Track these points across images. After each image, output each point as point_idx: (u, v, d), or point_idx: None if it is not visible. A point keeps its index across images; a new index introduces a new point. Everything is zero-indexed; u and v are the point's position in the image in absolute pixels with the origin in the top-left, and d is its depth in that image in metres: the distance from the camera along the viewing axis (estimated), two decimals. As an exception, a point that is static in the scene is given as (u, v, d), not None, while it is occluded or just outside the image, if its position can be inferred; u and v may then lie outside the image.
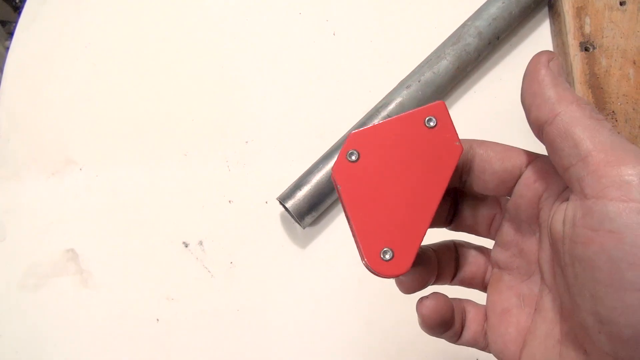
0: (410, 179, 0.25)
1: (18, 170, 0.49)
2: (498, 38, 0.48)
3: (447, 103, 0.49)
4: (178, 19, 0.53)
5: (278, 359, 0.44)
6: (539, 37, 0.50)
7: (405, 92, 0.46)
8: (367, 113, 0.47)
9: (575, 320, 0.22)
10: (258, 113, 0.50)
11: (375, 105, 0.47)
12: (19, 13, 0.55)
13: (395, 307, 0.44)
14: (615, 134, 0.21)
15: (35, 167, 0.49)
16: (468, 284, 0.29)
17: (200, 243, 0.46)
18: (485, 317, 0.28)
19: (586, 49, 0.46)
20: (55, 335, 0.45)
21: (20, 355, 0.45)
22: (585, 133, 0.21)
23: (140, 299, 0.45)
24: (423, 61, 0.47)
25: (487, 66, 0.50)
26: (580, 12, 0.47)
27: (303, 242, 0.46)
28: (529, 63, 0.23)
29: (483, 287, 0.29)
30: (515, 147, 0.26)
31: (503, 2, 0.47)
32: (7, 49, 0.54)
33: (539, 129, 0.22)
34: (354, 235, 0.26)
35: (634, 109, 0.45)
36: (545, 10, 0.51)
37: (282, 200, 0.44)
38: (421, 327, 0.27)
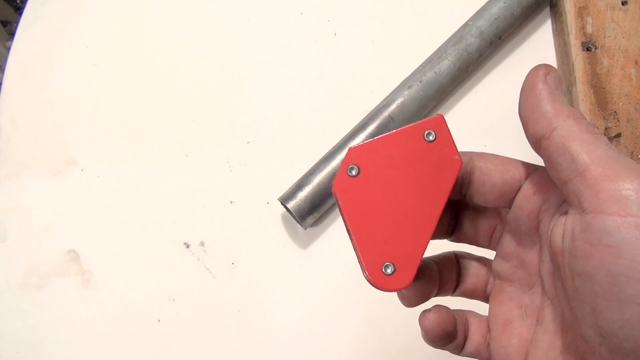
0: (411, 192, 0.25)
1: (19, 171, 0.49)
2: (500, 38, 0.48)
3: (448, 103, 0.49)
4: (179, 19, 0.53)
5: (279, 360, 0.44)
6: (541, 37, 0.50)
7: (406, 92, 0.46)
8: (369, 113, 0.47)
9: (576, 333, 0.22)
10: (259, 113, 0.50)
11: (377, 106, 0.47)
12: (20, 13, 0.55)
13: (396, 307, 0.43)
14: (612, 148, 0.21)
15: (36, 168, 0.49)
16: (470, 295, 0.30)
17: (202, 244, 0.46)
18: (488, 329, 0.28)
19: (588, 49, 0.46)
20: (57, 335, 0.45)
21: (21, 355, 0.45)
22: (582, 147, 0.21)
23: (142, 300, 0.45)
24: (425, 61, 0.47)
25: (489, 66, 0.50)
26: (582, 11, 0.47)
27: (304, 243, 0.46)
28: (527, 77, 0.23)
29: (485, 298, 0.29)
30: (515, 160, 0.26)
31: (505, 2, 0.47)
32: (9, 49, 0.54)
33: (537, 143, 0.23)
34: (355, 250, 0.26)
35: (635, 109, 0.45)
36: (547, 10, 0.51)
37: (284, 200, 0.44)
38: (424, 340, 0.28)
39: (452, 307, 0.28)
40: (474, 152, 0.26)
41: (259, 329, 0.44)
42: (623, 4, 0.47)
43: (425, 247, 0.25)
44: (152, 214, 0.47)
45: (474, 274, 0.29)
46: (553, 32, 0.50)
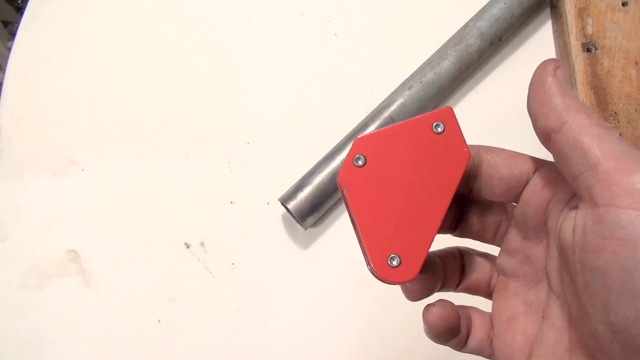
0: (418, 184, 0.25)
1: (20, 171, 0.49)
2: (500, 39, 0.48)
3: (448, 104, 0.49)
4: (179, 19, 0.53)
5: (279, 360, 0.44)
6: (541, 38, 0.50)
7: (407, 92, 0.46)
8: (369, 114, 0.47)
9: (585, 329, 0.22)
10: (260, 113, 0.50)
11: (377, 106, 0.47)
12: (21, 14, 0.55)
13: (397, 308, 0.44)
14: (624, 142, 0.21)
15: (37, 168, 0.49)
16: (473, 290, 0.29)
17: (202, 244, 0.46)
18: (491, 325, 0.28)
19: (588, 50, 0.46)
20: (57, 335, 0.45)
21: (21, 355, 0.45)
22: (593, 141, 0.20)
23: (142, 300, 0.45)
24: (425, 62, 0.47)
25: (489, 67, 0.50)
26: (582, 12, 0.47)
27: (305, 243, 0.46)
28: (535, 71, 0.23)
29: (488, 294, 0.29)
30: (523, 154, 0.26)
31: (505, 3, 0.47)
32: (10, 49, 0.54)
33: (546, 137, 0.22)
34: (360, 241, 0.25)
35: (636, 110, 0.45)
36: (548, 11, 0.51)
37: (284, 201, 0.44)
38: (427, 335, 0.27)
39: (454, 303, 0.28)
40: (481, 146, 0.26)
41: (259, 329, 0.44)
42: (623, 4, 0.47)
43: (432, 240, 0.25)
44: (153, 214, 0.47)
45: (477, 270, 0.29)
46: (553, 33, 0.50)
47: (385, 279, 0.25)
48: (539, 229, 0.25)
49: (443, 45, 0.48)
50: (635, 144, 0.44)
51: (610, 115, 0.45)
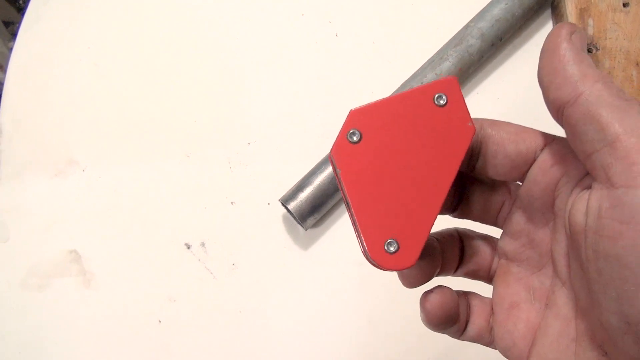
0: (418, 162, 0.23)
1: (21, 171, 0.49)
2: (501, 39, 0.48)
3: (449, 104, 0.49)
4: (180, 20, 0.53)
5: (280, 361, 0.44)
6: (542, 39, 0.50)
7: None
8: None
9: (594, 319, 0.21)
10: (260, 114, 0.50)
11: (378, 107, 0.47)
12: (23, 14, 0.55)
13: (398, 308, 0.44)
14: None
15: (38, 168, 0.49)
16: (473, 275, 0.27)
17: (203, 244, 0.46)
18: (491, 312, 0.26)
19: (589, 51, 0.46)
20: (58, 335, 0.45)
21: (22, 355, 0.45)
22: (613, 115, 0.18)
23: (142, 300, 0.45)
24: (426, 62, 0.47)
25: (490, 68, 0.50)
26: (583, 13, 0.47)
27: (305, 244, 0.46)
28: (548, 36, 0.21)
29: (488, 279, 0.27)
30: (530, 128, 0.24)
31: (506, 4, 0.47)
32: (11, 49, 0.54)
33: (559, 110, 0.20)
34: (354, 225, 0.24)
35: (637, 111, 0.45)
36: (548, 11, 0.51)
37: (285, 201, 0.44)
38: (424, 323, 0.26)
39: (453, 289, 0.26)
40: (485, 119, 0.24)
41: (260, 330, 0.44)
42: (624, 5, 0.47)
43: (432, 224, 0.23)
44: (153, 215, 0.47)
45: (478, 253, 0.27)
46: (554, 34, 0.50)
47: (382, 265, 0.23)
48: (546, 210, 0.24)
49: (444, 45, 0.48)
50: None
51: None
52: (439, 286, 0.25)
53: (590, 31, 0.46)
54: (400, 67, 0.48)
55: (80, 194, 0.48)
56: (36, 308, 0.46)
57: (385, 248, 0.23)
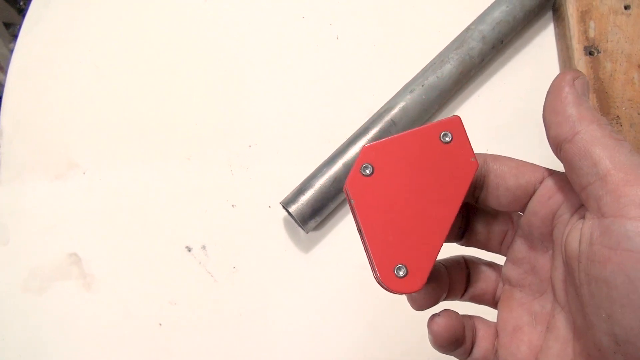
0: (425, 194, 0.25)
1: (21, 173, 0.49)
2: (502, 42, 0.48)
3: (450, 107, 0.49)
4: (181, 23, 0.53)
5: (281, 364, 0.44)
6: (543, 41, 0.50)
7: (408, 96, 0.46)
8: (371, 117, 0.46)
9: (589, 340, 0.22)
10: (261, 116, 0.50)
11: (379, 110, 0.47)
12: (23, 15, 0.55)
13: (399, 311, 0.43)
14: (635, 154, 0.21)
15: (38, 170, 0.49)
16: (478, 300, 0.29)
17: (203, 247, 0.46)
18: (496, 335, 0.28)
19: (590, 53, 0.46)
20: (58, 339, 0.45)
21: (23, 358, 0.45)
22: (604, 152, 0.21)
23: (143, 303, 0.45)
24: (427, 65, 0.47)
25: (491, 70, 0.50)
26: (584, 16, 0.47)
27: (306, 247, 0.46)
28: (554, 80, 0.23)
29: (494, 304, 0.29)
30: (530, 163, 0.26)
31: (507, 6, 0.47)
32: (11, 51, 0.54)
33: (558, 146, 0.22)
34: (366, 251, 0.25)
35: (638, 114, 0.44)
36: (550, 14, 0.51)
37: (286, 204, 0.44)
38: (432, 345, 0.27)
39: (459, 313, 0.28)
40: (488, 154, 0.26)
41: (261, 333, 0.44)
42: (626, 8, 0.47)
43: (439, 250, 0.25)
44: (154, 218, 0.47)
45: (483, 279, 0.29)
46: (555, 37, 0.50)
47: (392, 289, 0.25)
48: (545, 239, 0.25)
49: (445, 48, 0.48)
50: (637, 148, 0.44)
51: (612, 119, 0.44)
52: (445, 310, 0.27)
53: (592, 34, 0.46)
54: (401, 70, 0.48)
55: (81, 197, 0.48)
56: (36, 311, 0.46)
57: (395, 273, 0.25)
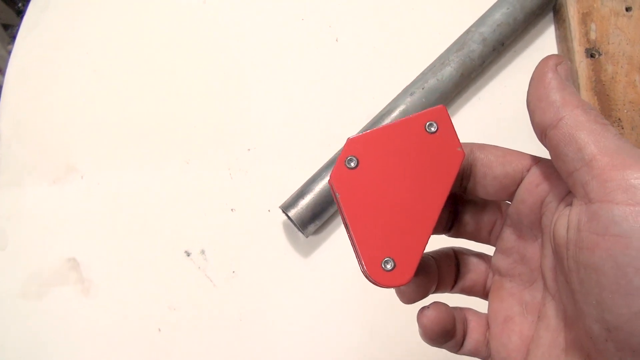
0: (411, 185, 0.25)
1: (19, 177, 0.49)
2: (502, 44, 0.47)
3: (451, 110, 0.49)
4: (180, 25, 0.53)
5: (281, 369, 0.43)
6: (544, 44, 0.50)
7: (408, 99, 0.45)
8: (371, 120, 0.46)
9: (580, 329, 0.22)
10: (260, 120, 0.49)
11: (379, 113, 0.46)
12: (22, 17, 0.54)
13: (399, 316, 0.43)
14: (621, 138, 0.20)
15: (36, 174, 0.49)
16: (469, 292, 0.29)
17: (202, 252, 0.46)
18: (487, 326, 0.27)
19: (592, 56, 0.46)
20: (57, 344, 0.45)
21: (21, 364, 0.45)
22: (589, 137, 0.20)
23: (142, 309, 0.45)
24: (427, 68, 0.47)
25: (492, 73, 0.49)
26: (585, 18, 0.46)
27: (306, 251, 0.46)
28: (537, 66, 0.23)
29: (484, 295, 0.29)
30: (516, 151, 0.26)
31: (508, 8, 0.47)
32: (10, 52, 0.54)
33: (543, 132, 0.22)
34: (353, 245, 0.25)
35: (640, 116, 0.44)
36: (550, 16, 0.50)
37: (285, 209, 0.43)
38: (422, 338, 0.27)
39: (450, 305, 0.27)
40: (475, 144, 0.26)
41: (260, 338, 0.44)
42: (627, 10, 0.46)
43: (426, 242, 0.25)
44: (153, 222, 0.47)
45: (473, 270, 0.28)
46: (556, 39, 0.50)
47: (379, 282, 0.24)
48: (534, 227, 0.25)
49: (445, 51, 0.47)
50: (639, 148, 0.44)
51: (614, 122, 0.44)
52: (435, 302, 0.27)
53: (593, 36, 0.46)
54: (401, 72, 0.48)
55: (79, 201, 0.48)
56: (35, 316, 0.45)
57: (383, 266, 0.24)
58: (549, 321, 0.24)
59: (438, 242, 0.29)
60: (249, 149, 0.48)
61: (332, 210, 0.45)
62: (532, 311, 0.26)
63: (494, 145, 0.26)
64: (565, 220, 0.22)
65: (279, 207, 0.44)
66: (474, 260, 0.29)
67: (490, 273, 0.28)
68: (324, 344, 0.44)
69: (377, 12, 0.52)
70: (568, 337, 0.23)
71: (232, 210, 0.47)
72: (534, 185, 0.24)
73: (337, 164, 0.25)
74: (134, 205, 0.48)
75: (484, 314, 0.28)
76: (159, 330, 0.44)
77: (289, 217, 0.43)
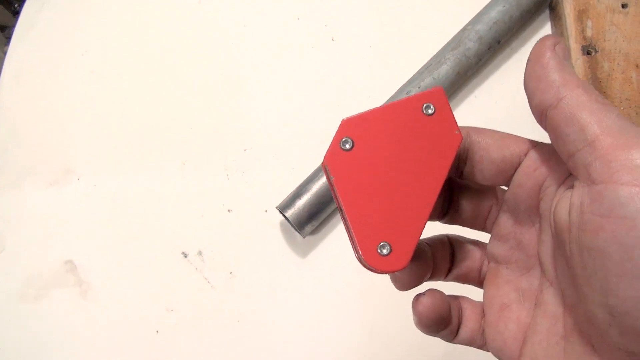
0: (408, 168, 0.24)
1: (16, 180, 0.49)
2: (499, 42, 0.47)
3: (447, 109, 0.48)
4: (175, 26, 0.53)
5: (279, 370, 0.43)
6: (540, 41, 0.50)
7: (404, 98, 0.45)
8: (367, 120, 0.46)
9: (581, 314, 0.21)
10: (256, 120, 0.49)
11: (375, 112, 0.46)
12: (18, 18, 0.54)
13: (397, 315, 0.43)
14: (623, 118, 0.20)
15: (33, 177, 0.49)
16: (463, 279, 0.28)
17: (200, 253, 0.46)
18: (482, 314, 0.27)
19: (588, 53, 0.46)
20: (55, 346, 0.45)
21: (19, 367, 0.44)
22: (592, 117, 0.20)
23: (140, 310, 0.45)
24: (423, 66, 0.47)
25: (488, 71, 0.49)
26: (581, 15, 0.46)
27: (303, 251, 0.46)
28: (534, 47, 0.22)
29: (479, 283, 0.28)
30: (514, 135, 0.25)
31: (504, 6, 0.46)
32: (6, 53, 0.54)
33: (542, 114, 0.21)
34: (348, 229, 0.24)
35: (637, 113, 0.44)
36: (546, 13, 0.50)
37: (282, 209, 0.43)
38: (417, 326, 0.26)
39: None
40: (471, 127, 0.25)
41: (258, 339, 0.44)
42: (623, 6, 0.46)
43: (423, 227, 0.24)
44: (150, 223, 0.47)
45: (468, 257, 0.28)
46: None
47: (375, 268, 0.23)
48: (532, 212, 0.25)
49: (441, 49, 0.47)
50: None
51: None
52: (430, 289, 0.26)
53: (589, 33, 0.46)
54: (398, 71, 0.48)
55: (76, 203, 0.48)
56: (33, 319, 0.45)
57: (379, 251, 0.23)
58: (546, 308, 0.24)
59: (432, 230, 0.28)
60: (245, 150, 0.48)
61: (329, 211, 0.44)
62: (529, 298, 0.25)
63: (492, 129, 0.25)
64: (566, 202, 0.21)
65: (276, 207, 0.44)
66: (469, 247, 0.28)
67: (485, 260, 0.28)
68: (322, 344, 0.43)
69: (373, 11, 0.52)
70: (567, 323, 0.23)
71: (229, 211, 0.47)
72: (532, 169, 0.24)
73: (332, 146, 0.24)
74: (131, 207, 0.48)
75: (479, 302, 0.27)
76: (157, 331, 0.44)
77: (286, 218, 0.43)
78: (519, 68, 0.49)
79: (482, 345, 0.27)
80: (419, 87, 0.45)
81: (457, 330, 0.27)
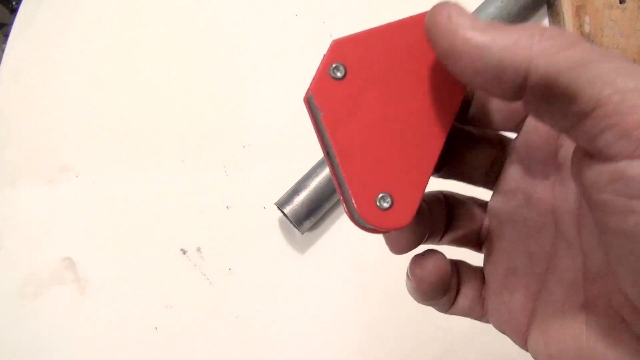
0: (410, 105, 0.19)
1: (13, 178, 0.49)
2: (497, 38, 0.47)
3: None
4: (173, 23, 0.53)
5: (278, 366, 0.43)
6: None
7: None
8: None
9: (608, 284, 0.18)
10: (255, 117, 0.49)
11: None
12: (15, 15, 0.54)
13: (397, 311, 0.43)
14: (624, 60, 0.15)
15: (30, 175, 0.49)
16: (461, 242, 0.24)
17: (198, 249, 0.46)
18: (483, 281, 0.23)
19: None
20: (54, 344, 0.45)
21: (18, 364, 0.44)
22: (579, 75, 0.15)
23: (138, 307, 0.45)
24: (421, 63, 0.47)
25: (486, 67, 0.49)
26: (579, 10, 0.46)
27: (302, 248, 0.46)
28: (427, 19, 0.18)
29: (477, 246, 0.24)
30: None
31: (502, 2, 0.46)
32: (4, 51, 0.54)
33: (513, 95, 0.16)
34: (337, 178, 0.20)
35: (634, 109, 0.44)
36: (544, 9, 0.50)
37: (280, 205, 0.43)
38: (413, 293, 0.23)
39: None
40: None
41: (257, 335, 0.44)
42: (621, 2, 0.46)
43: (429, 176, 0.20)
44: (148, 220, 0.47)
45: (466, 217, 0.24)
46: (550, 32, 0.50)
47: (374, 224, 0.19)
48: (548, 162, 0.21)
49: (439, 45, 0.47)
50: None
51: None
52: (430, 250, 0.22)
53: (587, 29, 0.46)
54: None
55: (74, 201, 0.48)
56: (31, 317, 0.45)
57: (378, 204, 0.19)
58: (562, 274, 0.20)
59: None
60: (244, 146, 0.48)
61: (327, 207, 0.44)
62: (539, 263, 0.21)
63: None
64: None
65: (275, 203, 0.44)
66: (467, 205, 0.24)
67: (486, 220, 0.24)
68: (321, 340, 0.44)
69: (370, 7, 0.52)
70: (590, 292, 0.19)
71: (227, 207, 0.47)
72: None
73: (319, 73, 0.19)
74: (129, 204, 0.47)
75: (479, 267, 0.24)
76: (156, 328, 0.44)
77: (284, 214, 0.43)
78: (517, 64, 0.49)
79: (482, 317, 0.24)
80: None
81: (455, 299, 0.24)
